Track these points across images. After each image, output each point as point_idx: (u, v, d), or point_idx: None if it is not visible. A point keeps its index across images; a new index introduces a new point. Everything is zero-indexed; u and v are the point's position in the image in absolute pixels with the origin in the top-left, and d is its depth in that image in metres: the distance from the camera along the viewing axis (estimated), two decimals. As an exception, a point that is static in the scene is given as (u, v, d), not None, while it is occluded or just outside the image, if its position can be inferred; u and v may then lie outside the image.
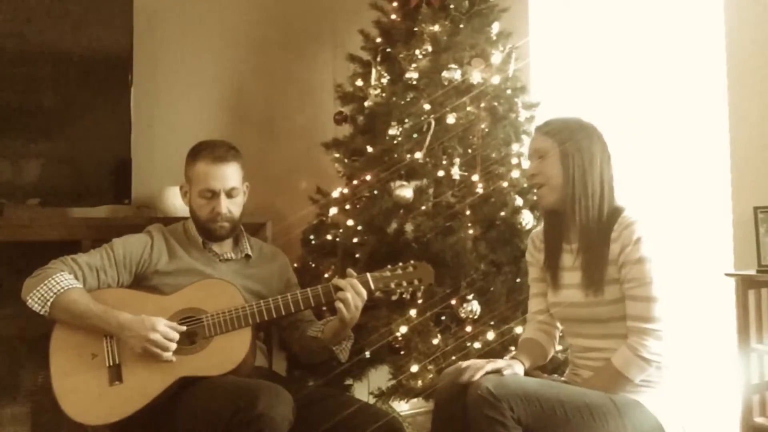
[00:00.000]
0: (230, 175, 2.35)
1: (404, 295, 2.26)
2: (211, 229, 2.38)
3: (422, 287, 2.27)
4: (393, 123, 2.77)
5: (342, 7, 3.64)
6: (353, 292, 2.19)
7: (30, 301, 2.16)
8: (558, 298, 2.13)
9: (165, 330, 2.13)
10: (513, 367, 1.96)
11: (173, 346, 2.13)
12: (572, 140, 2.04)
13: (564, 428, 1.84)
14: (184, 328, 2.16)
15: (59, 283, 2.16)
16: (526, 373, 2.02)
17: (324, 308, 2.47)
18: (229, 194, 2.36)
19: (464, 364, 1.97)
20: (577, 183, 2.03)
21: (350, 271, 2.25)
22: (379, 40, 2.99)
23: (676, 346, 1.97)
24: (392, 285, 2.24)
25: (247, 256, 2.46)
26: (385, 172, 2.73)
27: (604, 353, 2.02)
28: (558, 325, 2.23)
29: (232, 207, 2.37)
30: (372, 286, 2.22)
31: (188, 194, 2.42)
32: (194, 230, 2.42)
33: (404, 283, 2.24)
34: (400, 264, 2.27)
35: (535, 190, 2.14)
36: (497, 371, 1.93)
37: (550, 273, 2.15)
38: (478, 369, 1.91)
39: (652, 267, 1.94)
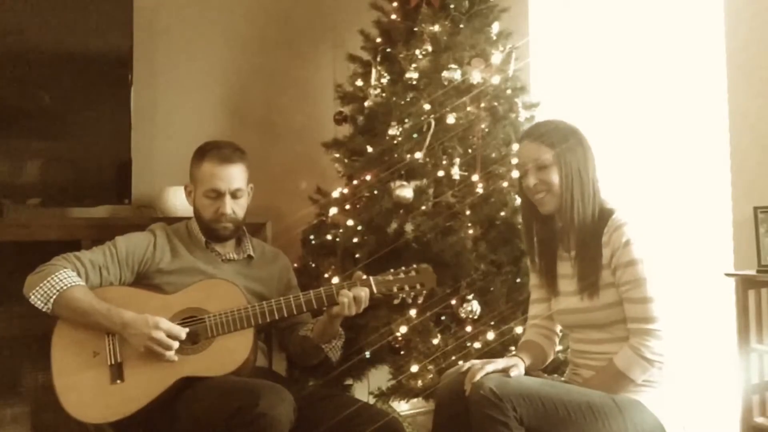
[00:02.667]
0: (236, 176, 2.36)
1: (406, 299, 2.26)
2: (214, 229, 2.38)
3: (424, 291, 2.27)
4: (393, 123, 2.76)
5: (342, 7, 3.64)
6: (354, 304, 2.20)
7: (33, 297, 2.15)
8: (559, 305, 2.14)
9: (168, 328, 2.13)
10: (518, 367, 1.96)
11: (176, 345, 2.13)
12: (568, 147, 2.07)
13: (566, 428, 1.84)
14: (187, 329, 2.16)
15: (62, 281, 2.16)
16: (526, 372, 2.02)
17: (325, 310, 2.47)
18: (234, 195, 2.36)
19: (465, 366, 1.98)
20: (575, 187, 2.05)
21: (359, 273, 2.25)
22: (379, 40, 2.99)
23: (676, 344, 1.98)
24: (395, 289, 2.24)
25: (249, 257, 2.46)
26: (385, 172, 2.73)
27: (605, 355, 2.02)
28: (558, 330, 2.25)
29: (236, 208, 2.37)
30: (375, 290, 2.22)
31: (192, 194, 2.42)
32: (197, 230, 2.43)
33: (406, 287, 2.24)
34: (403, 268, 2.26)
35: (537, 197, 2.12)
36: (499, 371, 1.93)
37: (547, 281, 2.17)
38: (478, 371, 1.90)
39: (644, 268, 1.95)
